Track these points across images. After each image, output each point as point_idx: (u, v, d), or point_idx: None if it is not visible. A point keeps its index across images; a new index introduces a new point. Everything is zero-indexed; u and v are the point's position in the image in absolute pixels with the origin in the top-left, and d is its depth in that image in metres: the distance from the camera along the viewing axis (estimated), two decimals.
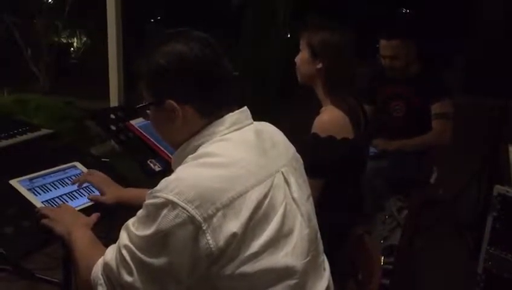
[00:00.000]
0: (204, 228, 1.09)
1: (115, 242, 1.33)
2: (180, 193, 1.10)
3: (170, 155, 2.22)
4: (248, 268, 1.14)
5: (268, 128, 1.36)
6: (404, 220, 2.37)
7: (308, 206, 1.33)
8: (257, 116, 1.35)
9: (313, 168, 1.54)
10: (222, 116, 1.25)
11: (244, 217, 1.12)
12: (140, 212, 1.17)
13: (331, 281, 1.37)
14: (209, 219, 1.09)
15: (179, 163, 1.24)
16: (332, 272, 1.38)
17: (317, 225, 1.35)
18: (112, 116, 2.30)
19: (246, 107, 1.31)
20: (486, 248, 2.54)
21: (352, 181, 2.07)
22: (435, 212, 2.85)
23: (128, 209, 1.71)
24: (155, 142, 2.23)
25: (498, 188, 2.47)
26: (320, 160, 1.82)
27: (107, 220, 1.68)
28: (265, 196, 1.18)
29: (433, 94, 2.91)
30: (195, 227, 1.09)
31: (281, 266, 1.18)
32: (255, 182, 1.18)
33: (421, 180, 2.68)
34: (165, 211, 1.10)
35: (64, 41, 9.20)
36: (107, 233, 1.68)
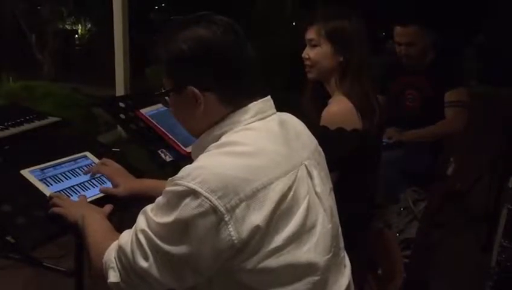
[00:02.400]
0: (226, 219, 1.05)
1: None
2: (203, 182, 1.06)
3: (181, 145, 2.19)
4: (270, 263, 1.10)
5: (291, 119, 1.32)
6: (421, 213, 2.32)
7: (331, 201, 1.29)
8: None
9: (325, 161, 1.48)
10: (246, 104, 1.20)
11: (267, 210, 1.08)
12: (160, 199, 1.14)
13: (351, 278, 1.34)
14: (232, 210, 1.05)
15: (200, 152, 1.20)
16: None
17: (338, 220, 1.31)
18: (122, 104, 2.26)
19: (269, 96, 1.26)
20: (500, 241, 2.50)
21: (367, 172, 2.02)
22: (453, 206, 2.81)
23: (141, 201, 1.69)
24: (166, 132, 2.20)
25: None
26: (331, 153, 1.76)
27: (119, 212, 1.65)
28: (289, 189, 1.14)
29: (447, 83, 2.86)
30: (217, 218, 1.05)
31: (303, 261, 1.14)
32: (279, 174, 1.13)
33: (438, 172, 2.63)
34: (186, 200, 1.06)
35: (69, 28, 9.14)
36: (119, 225, 1.65)
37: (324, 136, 1.80)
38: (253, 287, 1.12)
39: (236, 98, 1.20)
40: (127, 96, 3.35)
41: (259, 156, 1.13)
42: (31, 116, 2.81)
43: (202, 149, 1.21)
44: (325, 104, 1.95)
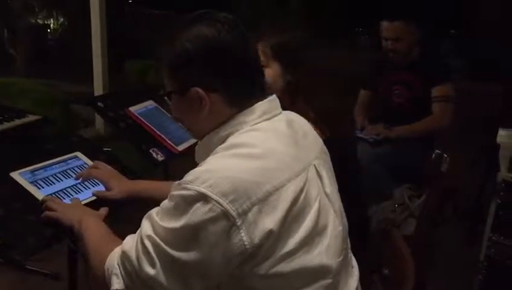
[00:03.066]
0: (238, 223, 1.01)
1: (120, 236, 1.26)
2: (213, 186, 1.02)
3: (173, 144, 2.14)
4: (283, 267, 1.07)
5: (297, 119, 1.29)
6: (417, 210, 2.33)
7: (340, 202, 1.27)
8: None
9: None
10: (251, 104, 1.16)
11: (280, 213, 1.05)
12: (166, 203, 1.09)
13: (359, 279, 1.32)
14: (243, 214, 1.02)
15: (205, 154, 1.16)
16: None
17: (347, 221, 1.28)
18: (109, 102, 2.20)
19: (274, 95, 1.23)
20: (489, 235, 2.52)
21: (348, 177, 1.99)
22: (450, 203, 2.83)
23: (135, 203, 1.64)
24: (156, 130, 2.15)
25: (503, 175, 2.44)
26: None
27: (113, 214, 1.60)
28: (301, 191, 1.10)
29: (434, 78, 2.87)
30: (228, 222, 1.01)
31: (315, 265, 1.11)
32: (291, 175, 1.10)
33: (431, 169, 2.63)
34: (197, 205, 1.02)
35: (41, 22, 8.92)
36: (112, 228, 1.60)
37: None
38: None
39: (241, 98, 1.16)
40: (116, 93, 3.27)
41: (269, 158, 1.10)
42: (10, 115, 2.72)
43: (207, 151, 1.17)
44: None
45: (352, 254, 1.33)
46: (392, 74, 2.99)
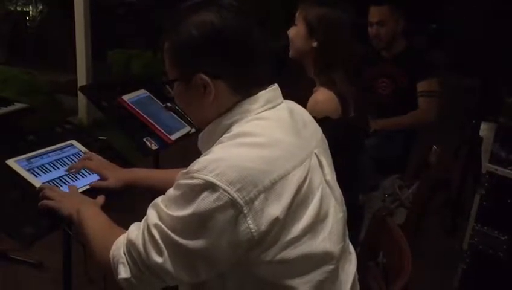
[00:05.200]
0: (245, 211, 1.03)
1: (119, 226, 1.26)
2: (221, 174, 1.03)
3: (166, 133, 2.14)
4: (288, 254, 1.09)
5: (298, 108, 1.31)
6: (408, 200, 2.38)
7: (339, 190, 1.29)
8: None
9: None
10: (255, 93, 1.17)
11: (286, 201, 1.07)
12: (172, 192, 1.10)
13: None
14: (250, 202, 1.03)
15: (209, 142, 1.18)
16: None
17: (346, 208, 1.31)
18: (103, 91, 2.19)
19: (276, 84, 1.24)
20: (472, 225, 2.58)
21: (351, 162, 2.04)
22: (441, 195, 2.89)
23: (132, 192, 1.64)
24: (149, 119, 2.14)
25: (487, 166, 2.50)
26: None
27: (110, 203, 1.60)
28: (305, 179, 1.13)
29: (419, 72, 2.92)
30: (236, 211, 1.03)
31: (319, 251, 1.14)
32: (295, 164, 1.12)
33: (417, 160, 2.69)
34: (204, 193, 1.03)
35: (19, 9, 8.73)
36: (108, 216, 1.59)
37: None
38: (270, 279, 1.11)
39: (246, 86, 1.17)
40: (110, 81, 3.24)
41: (274, 147, 1.12)
42: None
43: (211, 139, 1.18)
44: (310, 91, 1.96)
45: (349, 240, 1.36)
46: (378, 66, 3.03)
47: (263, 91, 1.19)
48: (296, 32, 1.97)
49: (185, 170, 1.09)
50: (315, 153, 1.22)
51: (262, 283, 1.12)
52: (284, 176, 1.09)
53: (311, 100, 1.90)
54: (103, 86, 2.24)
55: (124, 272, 1.13)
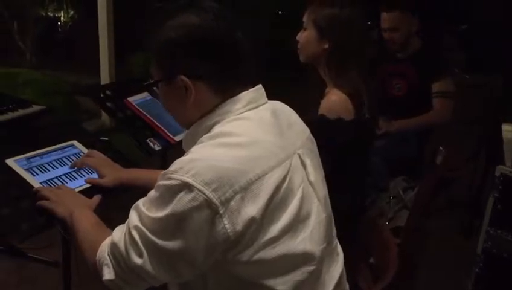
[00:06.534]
0: (221, 212, 1.03)
1: (111, 224, 1.28)
2: (197, 175, 1.03)
3: (169, 134, 2.16)
4: (266, 254, 1.09)
5: (283, 108, 1.30)
6: (410, 202, 2.34)
7: (324, 190, 1.28)
8: None
9: (321, 150, 1.48)
10: (237, 93, 1.18)
11: (262, 201, 1.07)
12: (152, 194, 1.11)
13: (343, 266, 1.33)
14: (226, 202, 1.03)
15: (191, 143, 1.18)
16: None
17: (331, 210, 1.30)
18: (108, 92, 2.23)
19: (260, 85, 1.24)
20: (486, 229, 2.52)
21: (360, 163, 2.02)
22: (443, 195, 2.84)
23: (127, 191, 1.66)
24: (154, 121, 2.17)
25: (500, 168, 2.44)
26: (330, 142, 1.75)
27: (106, 202, 1.62)
28: (284, 179, 1.12)
29: (433, 73, 2.87)
30: (211, 211, 1.03)
31: (298, 251, 1.13)
32: (274, 164, 1.12)
33: (426, 161, 2.65)
34: (180, 194, 1.03)
35: (51, 14, 8.96)
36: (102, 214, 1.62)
37: (322, 124, 1.80)
38: (248, 279, 1.11)
39: (227, 87, 1.18)
40: (115, 83, 3.30)
41: (253, 147, 1.12)
42: (15, 105, 2.76)
43: (193, 140, 1.19)
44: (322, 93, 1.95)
45: (337, 241, 1.35)
46: (391, 66, 2.99)
47: (245, 92, 1.19)
48: (306, 37, 1.96)
49: (164, 171, 1.11)
50: (298, 154, 1.21)
51: (242, 283, 1.12)
52: (261, 176, 1.08)
53: (324, 101, 1.89)
54: (109, 88, 2.27)
55: (108, 274, 1.15)
